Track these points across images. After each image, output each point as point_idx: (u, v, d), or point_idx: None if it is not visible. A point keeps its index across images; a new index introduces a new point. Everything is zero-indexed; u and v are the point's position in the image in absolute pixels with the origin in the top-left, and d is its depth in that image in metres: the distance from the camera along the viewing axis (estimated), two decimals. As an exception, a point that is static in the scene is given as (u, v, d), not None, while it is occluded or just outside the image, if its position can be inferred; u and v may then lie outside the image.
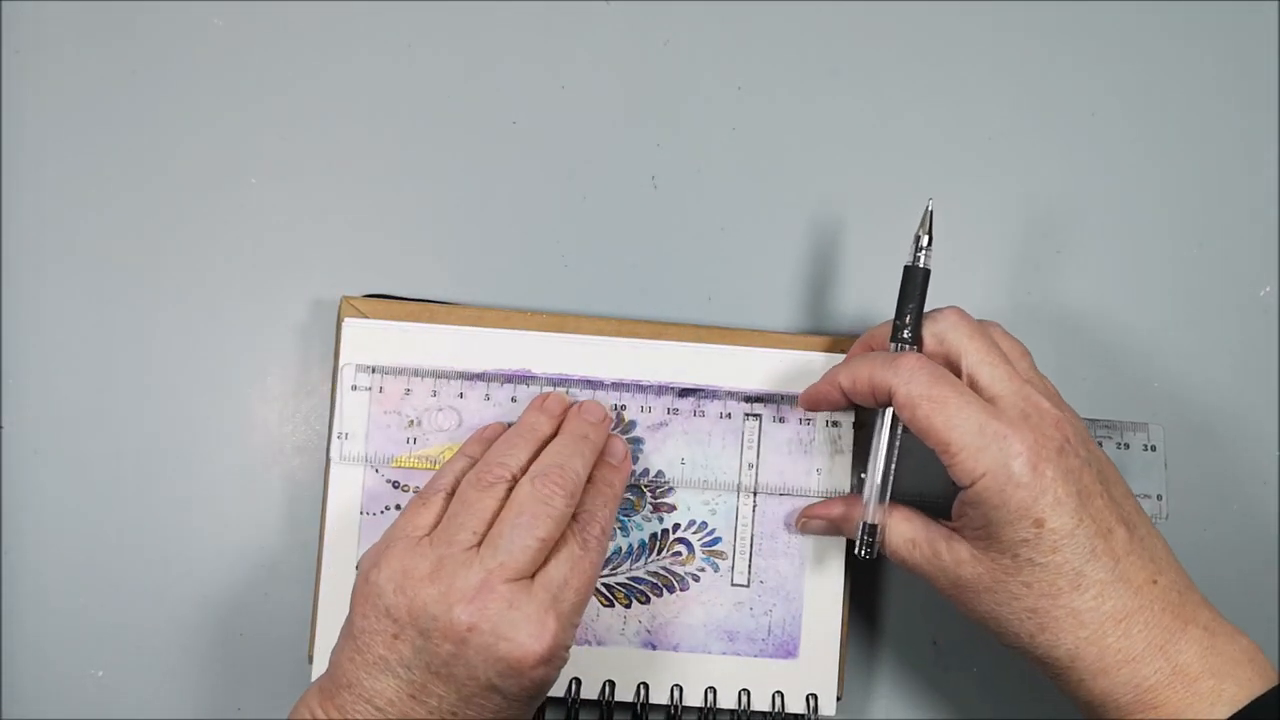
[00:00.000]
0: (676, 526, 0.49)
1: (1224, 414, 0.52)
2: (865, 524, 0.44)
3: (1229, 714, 0.37)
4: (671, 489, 0.49)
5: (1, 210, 0.51)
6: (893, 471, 0.44)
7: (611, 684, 0.48)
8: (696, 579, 0.49)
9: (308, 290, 0.51)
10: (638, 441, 0.49)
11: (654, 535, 0.49)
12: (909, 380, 0.41)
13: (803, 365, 0.49)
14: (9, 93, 0.51)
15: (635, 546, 0.49)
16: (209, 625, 0.50)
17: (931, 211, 0.45)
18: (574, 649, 0.47)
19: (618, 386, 0.49)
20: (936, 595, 0.51)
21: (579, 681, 0.48)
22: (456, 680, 0.39)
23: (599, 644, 0.49)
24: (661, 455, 0.49)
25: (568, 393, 0.48)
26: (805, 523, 0.48)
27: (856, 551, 0.44)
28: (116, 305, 0.51)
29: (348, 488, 0.48)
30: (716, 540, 0.49)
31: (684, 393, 0.49)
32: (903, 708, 0.51)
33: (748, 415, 0.49)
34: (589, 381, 0.49)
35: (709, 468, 0.49)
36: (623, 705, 0.49)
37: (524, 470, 0.43)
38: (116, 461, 0.50)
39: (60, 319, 0.51)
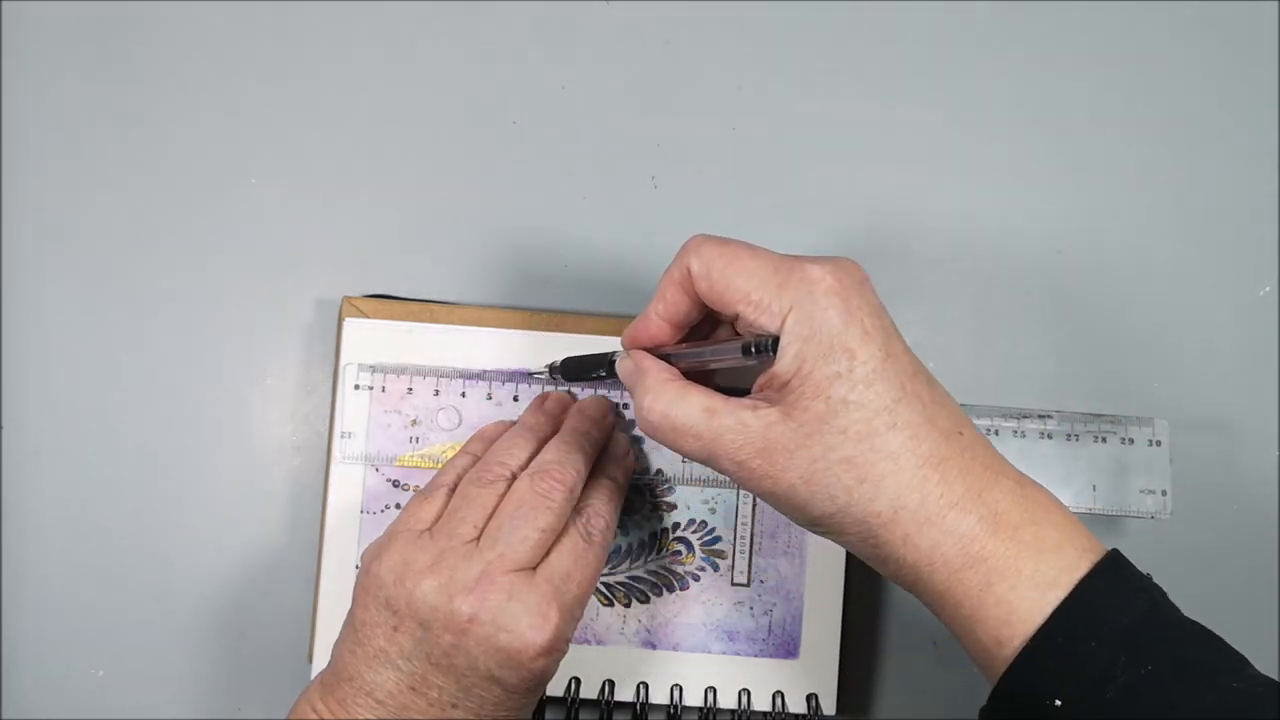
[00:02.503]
0: (676, 525, 0.49)
1: (1224, 414, 0.52)
2: (767, 338, 0.38)
3: (1054, 561, 0.36)
4: (671, 487, 0.49)
5: (1, 210, 0.51)
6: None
7: (611, 683, 0.48)
8: (696, 578, 0.49)
9: (309, 290, 0.51)
10: (638, 440, 0.48)
11: (653, 534, 0.49)
12: (698, 251, 0.38)
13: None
14: (9, 93, 0.51)
15: (635, 545, 0.49)
16: (209, 625, 0.50)
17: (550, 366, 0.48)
18: (574, 648, 0.47)
19: (617, 385, 0.49)
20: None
21: (578, 681, 0.48)
22: (457, 671, 0.39)
23: (599, 643, 0.49)
24: (661, 453, 0.49)
25: (569, 391, 0.48)
26: (623, 361, 0.43)
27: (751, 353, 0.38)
28: (116, 305, 0.51)
29: (348, 487, 0.48)
30: (716, 539, 0.49)
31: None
32: (903, 708, 0.51)
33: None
34: (589, 381, 0.49)
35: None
36: (622, 705, 0.49)
37: (524, 468, 0.43)
38: (116, 461, 0.50)
39: (60, 319, 0.51)
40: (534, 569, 0.41)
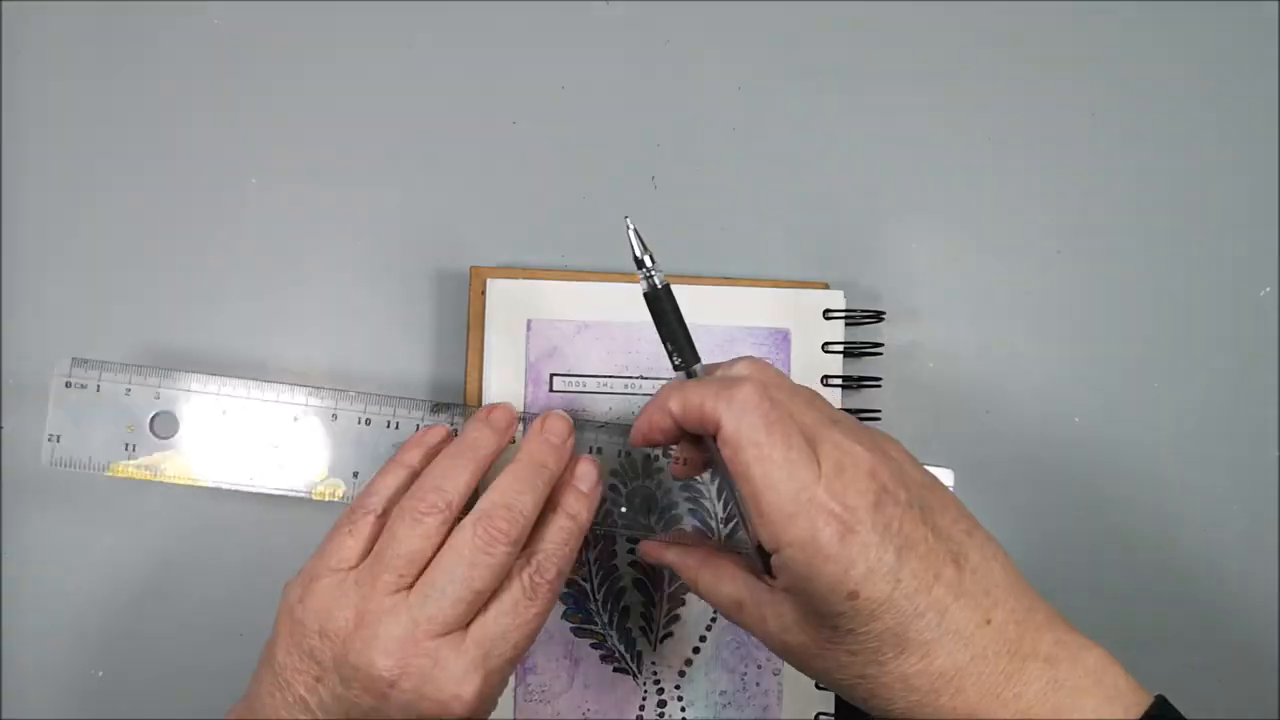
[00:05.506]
0: None
1: (1224, 414, 0.52)
2: (756, 549, 0.38)
3: None
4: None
5: (1, 209, 0.51)
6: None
7: None
8: None
9: (308, 290, 0.51)
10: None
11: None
12: (739, 416, 0.36)
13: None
14: (9, 93, 0.51)
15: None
16: (209, 625, 0.50)
17: (635, 231, 0.40)
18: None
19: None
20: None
21: None
22: None
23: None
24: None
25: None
26: (643, 555, 0.44)
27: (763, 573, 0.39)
28: (115, 304, 0.51)
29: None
30: None
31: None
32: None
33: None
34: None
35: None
36: None
37: (463, 497, 0.40)
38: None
39: (59, 318, 0.51)
40: (466, 628, 0.39)
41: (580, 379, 0.48)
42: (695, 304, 0.49)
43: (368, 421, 0.46)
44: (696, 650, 0.49)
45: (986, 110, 0.53)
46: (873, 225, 0.52)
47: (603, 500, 0.44)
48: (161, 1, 0.52)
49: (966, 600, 0.36)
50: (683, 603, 0.49)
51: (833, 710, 0.49)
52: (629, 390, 0.48)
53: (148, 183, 0.51)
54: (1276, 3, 0.54)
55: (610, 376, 0.49)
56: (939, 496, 0.38)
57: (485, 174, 0.52)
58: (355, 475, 0.45)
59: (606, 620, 0.48)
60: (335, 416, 0.45)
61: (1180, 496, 0.52)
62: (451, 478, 0.40)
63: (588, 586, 0.48)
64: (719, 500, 0.44)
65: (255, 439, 0.45)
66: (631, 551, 0.49)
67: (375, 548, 0.39)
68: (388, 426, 0.46)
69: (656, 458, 0.46)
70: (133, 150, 0.51)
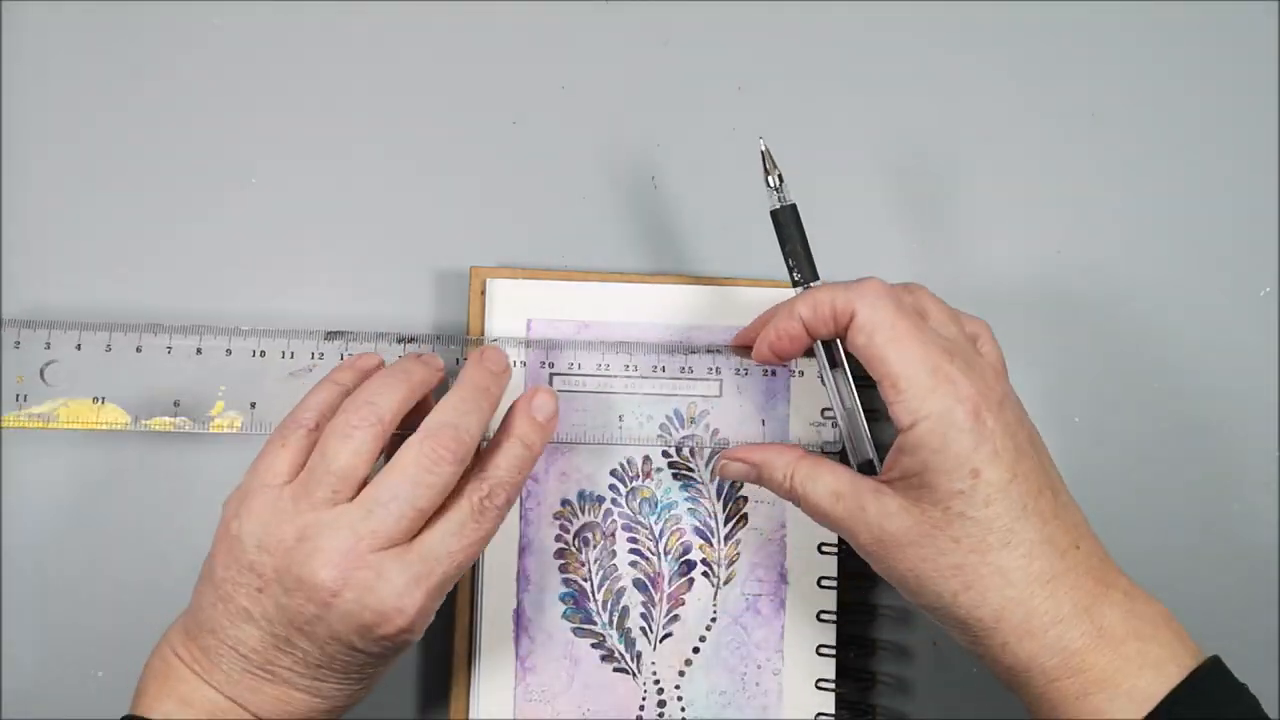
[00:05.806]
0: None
1: (1224, 414, 0.52)
2: (859, 464, 0.43)
3: (1154, 677, 0.37)
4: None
5: (2, 210, 0.51)
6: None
7: None
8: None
9: (307, 291, 0.51)
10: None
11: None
12: (873, 305, 0.39)
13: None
14: (9, 93, 0.51)
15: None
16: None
17: (766, 150, 0.44)
18: None
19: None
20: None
21: None
22: (318, 639, 0.38)
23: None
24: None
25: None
26: (725, 465, 0.45)
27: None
28: (114, 304, 0.51)
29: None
30: None
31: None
32: (903, 708, 0.51)
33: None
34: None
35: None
36: None
37: (395, 415, 0.40)
38: (117, 461, 0.50)
39: (59, 317, 0.51)
40: (409, 542, 0.39)
41: (581, 378, 0.48)
42: (695, 304, 0.50)
43: (262, 354, 0.47)
44: (696, 650, 0.49)
45: (986, 110, 0.53)
46: (873, 225, 0.53)
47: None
48: (162, 2, 0.52)
49: (1061, 523, 0.39)
50: (683, 603, 0.49)
51: (833, 710, 0.49)
52: (629, 390, 0.48)
53: (147, 182, 0.51)
54: (1276, 3, 0.54)
55: (610, 376, 0.49)
56: (1040, 438, 0.41)
57: (485, 174, 0.52)
58: (253, 406, 0.46)
59: (606, 620, 0.48)
60: (230, 352, 0.47)
61: (1181, 498, 0.51)
62: (384, 394, 0.40)
63: (588, 586, 0.48)
64: (840, 399, 0.43)
65: (147, 380, 0.47)
66: (632, 551, 0.49)
67: (308, 463, 0.39)
68: (282, 357, 0.47)
69: (653, 459, 0.46)
70: (132, 150, 0.51)
